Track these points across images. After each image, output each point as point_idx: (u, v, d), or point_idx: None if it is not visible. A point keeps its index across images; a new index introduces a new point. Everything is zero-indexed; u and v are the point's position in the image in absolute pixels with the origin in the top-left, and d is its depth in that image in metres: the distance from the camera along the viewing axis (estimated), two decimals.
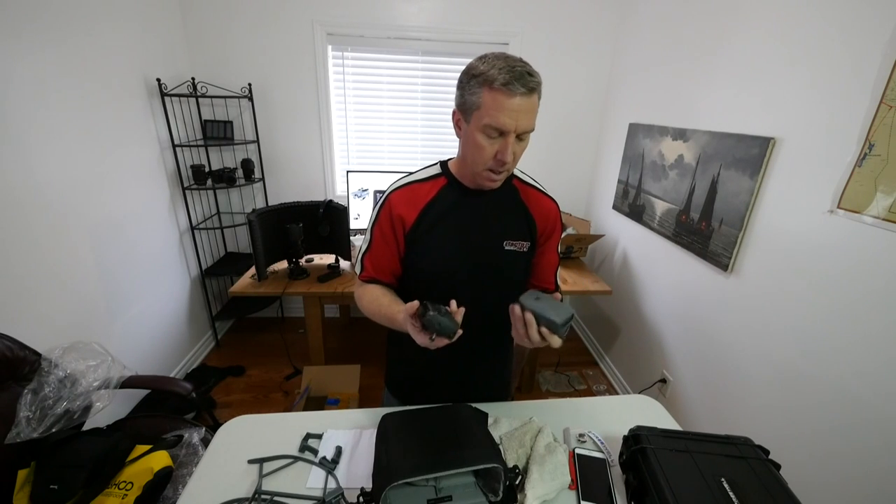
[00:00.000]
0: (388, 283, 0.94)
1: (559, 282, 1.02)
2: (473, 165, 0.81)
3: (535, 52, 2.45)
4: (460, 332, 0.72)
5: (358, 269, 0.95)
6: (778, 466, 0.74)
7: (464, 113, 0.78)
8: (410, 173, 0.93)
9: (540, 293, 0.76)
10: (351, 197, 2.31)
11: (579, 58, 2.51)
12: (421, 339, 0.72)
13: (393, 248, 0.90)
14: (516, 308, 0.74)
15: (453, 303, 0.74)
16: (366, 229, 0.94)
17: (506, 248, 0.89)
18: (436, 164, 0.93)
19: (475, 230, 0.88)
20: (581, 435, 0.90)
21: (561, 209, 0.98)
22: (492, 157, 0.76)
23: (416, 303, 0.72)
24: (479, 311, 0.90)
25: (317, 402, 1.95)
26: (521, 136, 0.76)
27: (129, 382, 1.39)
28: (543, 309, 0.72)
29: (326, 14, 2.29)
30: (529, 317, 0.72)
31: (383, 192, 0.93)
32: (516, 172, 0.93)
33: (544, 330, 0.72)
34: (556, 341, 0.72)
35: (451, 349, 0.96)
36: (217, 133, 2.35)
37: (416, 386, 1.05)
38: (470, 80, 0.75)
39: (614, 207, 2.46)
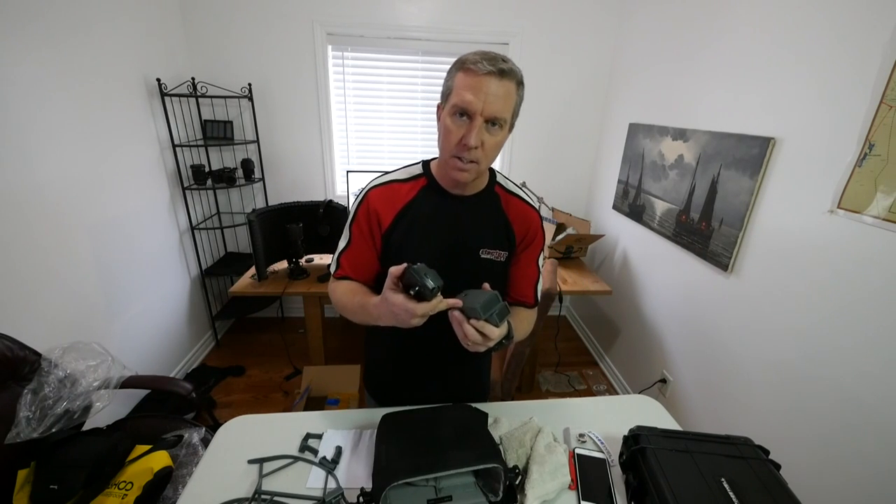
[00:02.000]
0: (366, 283, 0.91)
1: (539, 294, 0.97)
2: (442, 153, 0.80)
3: (535, 51, 2.45)
4: (439, 297, 0.68)
5: (333, 268, 0.92)
6: (778, 466, 0.74)
7: (443, 103, 0.78)
8: (390, 171, 0.90)
9: (468, 290, 0.74)
10: (351, 197, 2.31)
11: (579, 58, 2.51)
12: (397, 301, 0.68)
13: (371, 246, 0.88)
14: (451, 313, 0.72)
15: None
16: (344, 227, 0.91)
17: (482, 256, 0.87)
18: (418, 163, 0.90)
19: (452, 236, 0.86)
20: (581, 435, 0.90)
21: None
22: (457, 142, 0.73)
23: (403, 265, 0.70)
24: None
25: (317, 402, 1.95)
26: (493, 126, 0.73)
27: (129, 382, 1.39)
28: (467, 303, 0.70)
29: (326, 14, 2.29)
30: (458, 314, 0.70)
31: (361, 188, 0.90)
32: (500, 180, 0.91)
33: (475, 322, 0.69)
34: (490, 330, 0.68)
35: (427, 352, 0.96)
36: (217, 133, 2.35)
37: (393, 388, 1.04)
38: (449, 71, 0.77)
39: (614, 207, 2.46)
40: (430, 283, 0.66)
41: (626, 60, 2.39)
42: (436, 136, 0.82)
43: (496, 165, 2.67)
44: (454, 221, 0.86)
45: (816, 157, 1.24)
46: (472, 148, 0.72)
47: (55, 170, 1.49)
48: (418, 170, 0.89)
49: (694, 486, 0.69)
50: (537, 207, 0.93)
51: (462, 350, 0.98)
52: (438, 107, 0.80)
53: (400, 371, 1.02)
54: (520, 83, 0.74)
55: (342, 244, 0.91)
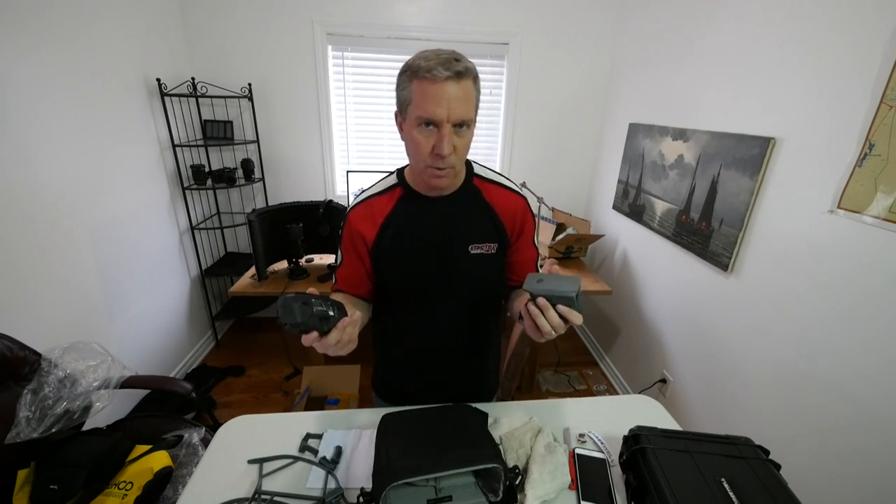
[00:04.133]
0: (360, 296, 0.93)
1: (539, 270, 1.00)
2: (415, 164, 0.79)
3: (536, 52, 2.45)
4: (310, 337, 0.61)
5: (333, 280, 0.96)
6: (778, 466, 0.74)
7: (401, 112, 0.77)
8: (367, 188, 0.91)
9: (541, 274, 0.72)
10: (351, 197, 2.31)
11: (579, 57, 2.51)
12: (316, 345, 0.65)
13: (360, 266, 0.90)
14: (525, 301, 0.69)
15: (355, 314, 0.67)
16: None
17: (472, 252, 0.87)
18: (392, 173, 0.91)
19: (438, 239, 0.86)
20: (581, 435, 0.89)
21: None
22: (429, 153, 0.73)
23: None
24: (454, 316, 0.91)
25: (317, 402, 1.95)
26: (460, 128, 0.73)
27: (129, 382, 1.39)
28: (552, 287, 0.67)
29: (326, 14, 2.29)
30: (542, 301, 0.67)
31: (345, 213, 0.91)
32: (477, 171, 0.90)
33: (562, 308, 0.67)
34: (576, 317, 0.67)
35: (427, 351, 0.96)
36: (217, 133, 2.35)
37: (398, 386, 1.04)
38: (401, 77, 0.74)
39: (614, 207, 2.45)
40: (298, 318, 0.58)
41: (626, 60, 2.39)
42: None
43: (497, 164, 2.67)
44: (438, 223, 0.86)
45: (816, 157, 1.24)
46: (447, 156, 0.72)
47: (55, 170, 1.49)
48: (393, 180, 0.89)
49: (694, 486, 0.69)
50: (518, 190, 0.92)
51: (462, 352, 0.99)
52: (396, 115, 0.79)
53: (402, 370, 1.02)
54: (475, 78, 0.73)
55: (337, 260, 0.94)
